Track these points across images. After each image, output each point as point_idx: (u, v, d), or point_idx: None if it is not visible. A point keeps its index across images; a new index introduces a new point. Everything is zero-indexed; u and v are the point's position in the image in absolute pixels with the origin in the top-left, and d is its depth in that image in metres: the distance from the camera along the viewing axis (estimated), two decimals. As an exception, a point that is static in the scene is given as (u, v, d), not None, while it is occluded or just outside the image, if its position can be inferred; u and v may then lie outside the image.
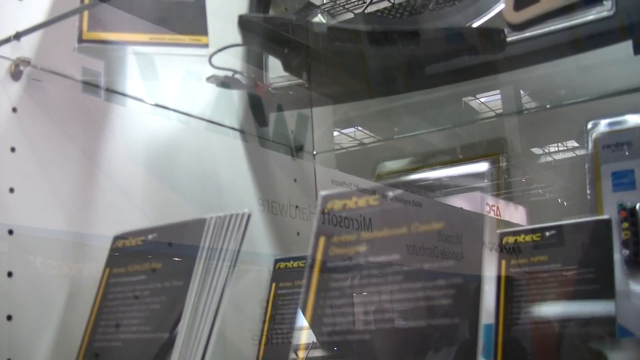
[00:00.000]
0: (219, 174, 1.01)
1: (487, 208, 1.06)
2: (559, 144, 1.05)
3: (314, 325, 0.62)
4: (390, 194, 0.65)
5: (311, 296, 0.64)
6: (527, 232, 0.91)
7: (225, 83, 0.96)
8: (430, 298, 0.58)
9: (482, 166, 1.07)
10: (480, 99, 1.11)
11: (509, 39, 0.90)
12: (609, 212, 0.93)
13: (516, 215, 1.03)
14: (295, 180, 1.13)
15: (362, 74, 1.00)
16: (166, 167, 0.95)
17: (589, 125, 1.01)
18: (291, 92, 1.01)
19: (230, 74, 0.96)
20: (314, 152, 1.17)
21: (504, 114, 1.08)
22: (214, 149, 1.02)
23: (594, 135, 1.00)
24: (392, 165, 1.13)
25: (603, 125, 1.01)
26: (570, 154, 1.03)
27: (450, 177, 1.09)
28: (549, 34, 0.90)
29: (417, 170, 1.12)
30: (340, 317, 0.61)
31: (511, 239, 0.92)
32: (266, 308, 1.01)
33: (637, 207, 0.92)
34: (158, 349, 0.73)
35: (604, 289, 0.84)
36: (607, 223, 0.87)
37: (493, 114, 1.09)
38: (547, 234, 0.90)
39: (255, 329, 0.98)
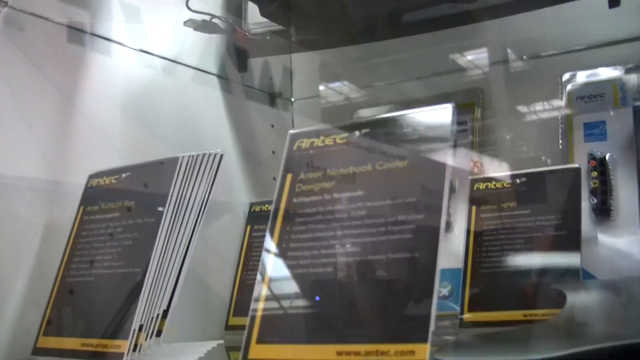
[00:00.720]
0: (197, 118, 1.02)
1: (472, 164, 1.07)
2: (535, 96, 1.06)
3: (276, 264, 0.64)
4: (357, 133, 0.66)
5: (276, 235, 0.65)
6: (498, 179, 0.93)
7: (202, 27, 0.96)
8: (384, 239, 0.59)
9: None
10: (467, 56, 1.11)
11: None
12: (580, 162, 0.94)
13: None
14: (272, 126, 1.14)
15: (341, 21, 1.00)
16: (144, 110, 0.96)
17: (564, 77, 1.02)
18: (269, 38, 1.01)
19: (207, 17, 0.96)
20: (292, 99, 1.18)
21: (480, 66, 1.08)
22: (192, 93, 1.02)
23: (568, 87, 1.01)
24: (366, 112, 1.14)
25: (578, 77, 1.02)
26: (546, 105, 1.03)
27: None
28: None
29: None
30: (303, 258, 0.62)
31: (482, 185, 0.93)
32: (240, 251, 1.03)
33: (607, 157, 0.93)
34: (130, 285, 0.74)
35: (571, 235, 0.85)
36: (576, 171, 0.89)
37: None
38: (518, 180, 0.92)
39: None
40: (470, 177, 0.95)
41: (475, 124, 1.05)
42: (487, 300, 0.87)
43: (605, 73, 1.01)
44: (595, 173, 0.92)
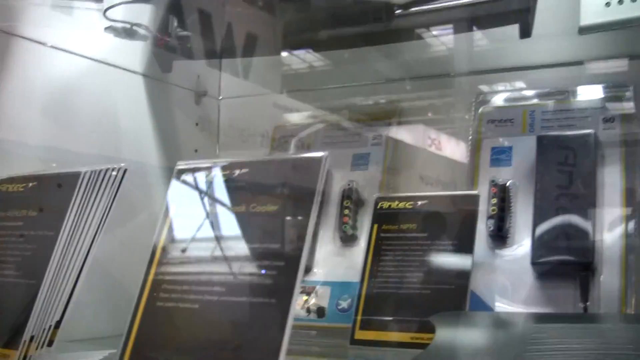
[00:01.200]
0: (119, 117, 1.04)
1: (429, 141, 1.10)
2: (451, 116, 1.09)
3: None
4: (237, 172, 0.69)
5: (151, 271, 0.69)
6: (401, 199, 0.96)
7: (122, 34, 0.98)
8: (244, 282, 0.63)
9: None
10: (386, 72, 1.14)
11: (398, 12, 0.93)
12: (484, 186, 0.98)
13: (457, 152, 1.04)
14: (197, 124, 1.16)
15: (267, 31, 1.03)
16: (64, 111, 0.98)
17: (478, 99, 1.05)
18: (189, 45, 1.03)
19: (128, 26, 0.98)
20: (220, 97, 1.21)
21: (396, 80, 1.11)
22: (115, 93, 1.04)
23: (480, 109, 1.04)
24: (292, 117, 1.17)
25: (490, 100, 1.04)
26: (458, 126, 1.06)
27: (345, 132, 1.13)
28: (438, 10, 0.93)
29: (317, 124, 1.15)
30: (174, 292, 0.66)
31: (386, 204, 0.96)
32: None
33: (508, 184, 0.96)
34: (25, 295, 0.76)
35: (462, 262, 0.89)
36: (474, 197, 0.92)
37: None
38: (419, 203, 0.95)
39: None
40: (375, 195, 0.98)
41: (389, 141, 1.08)
42: (378, 319, 0.90)
43: (519, 98, 1.03)
44: (495, 200, 0.95)
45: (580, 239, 0.88)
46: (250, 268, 0.63)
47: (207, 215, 0.69)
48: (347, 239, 1.03)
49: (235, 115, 1.21)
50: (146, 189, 1.05)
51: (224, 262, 0.65)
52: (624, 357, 0.60)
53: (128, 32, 0.98)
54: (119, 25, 0.97)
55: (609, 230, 0.91)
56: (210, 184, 0.70)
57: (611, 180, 0.94)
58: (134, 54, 1.06)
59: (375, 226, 0.95)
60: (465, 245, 0.90)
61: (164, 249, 0.70)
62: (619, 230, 0.91)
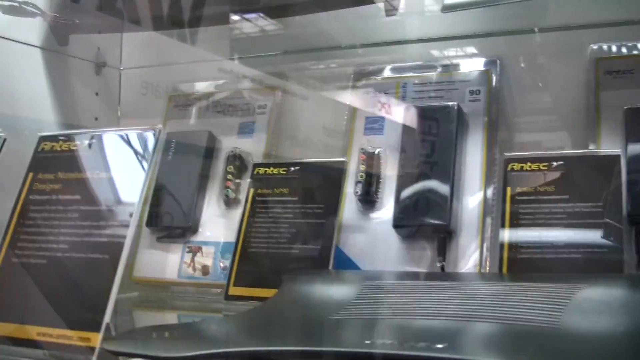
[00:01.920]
0: (16, 88, 1.08)
1: (311, 111, 1.16)
2: (332, 87, 1.14)
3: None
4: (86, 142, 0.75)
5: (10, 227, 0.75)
6: (275, 165, 1.02)
7: (11, 11, 1.02)
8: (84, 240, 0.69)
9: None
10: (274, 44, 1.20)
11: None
12: (356, 153, 1.04)
13: (336, 121, 1.09)
14: (97, 94, 1.21)
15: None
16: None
17: (356, 71, 1.11)
18: (77, 21, 1.08)
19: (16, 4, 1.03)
20: (121, 68, 1.26)
21: (283, 52, 1.17)
22: (11, 65, 1.08)
23: (357, 80, 1.10)
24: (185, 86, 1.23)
25: (369, 73, 1.10)
26: (339, 97, 1.11)
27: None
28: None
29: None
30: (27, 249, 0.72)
31: (262, 170, 1.02)
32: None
33: (376, 151, 1.03)
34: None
35: (327, 225, 0.95)
36: (342, 164, 0.99)
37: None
38: (292, 169, 1.01)
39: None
40: (252, 162, 1.05)
41: (274, 107, 1.14)
42: (249, 276, 0.97)
43: (394, 71, 1.09)
44: (364, 166, 1.02)
45: (438, 203, 0.94)
46: (89, 228, 0.69)
47: (61, 181, 0.75)
48: (230, 202, 1.09)
49: (137, 85, 1.26)
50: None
51: (68, 223, 0.71)
52: (437, 310, 0.66)
53: (16, 9, 1.02)
54: (6, 3, 1.01)
55: (468, 196, 0.98)
56: (68, 152, 0.76)
57: (474, 149, 1.00)
58: (31, 27, 1.10)
59: (252, 190, 1.02)
60: (331, 208, 0.97)
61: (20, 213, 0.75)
62: (478, 196, 0.98)
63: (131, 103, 1.26)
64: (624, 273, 0.83)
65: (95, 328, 0.64)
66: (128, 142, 0.72)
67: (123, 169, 0.72)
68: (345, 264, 0.99)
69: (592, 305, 0.65)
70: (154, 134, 0.71)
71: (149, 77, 1.25)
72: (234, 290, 0.97)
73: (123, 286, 1.09)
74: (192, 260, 1.08)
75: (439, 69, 1.06)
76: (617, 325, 0.59)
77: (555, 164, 0.91)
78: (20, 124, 1.06)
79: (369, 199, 1.01)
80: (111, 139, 0.75)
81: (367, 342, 0.58)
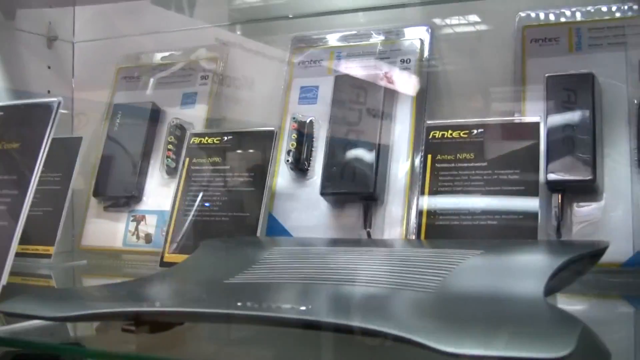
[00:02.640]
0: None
1: (250, 81, 1.18)
2: (270, 57, 1.16)
3: None
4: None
5: None
6: (209, 135, 1.04)
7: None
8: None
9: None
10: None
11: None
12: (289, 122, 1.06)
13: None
14: (49, 67, 1.24)
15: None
16: None
17: (294, 41, 1.12)
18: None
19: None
20: (74, 41, 1.29)
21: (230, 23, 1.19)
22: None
23: (294, 49, 1.11)
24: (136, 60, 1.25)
25: (304, 42, 1.12)
26: (278, 67, 1.13)
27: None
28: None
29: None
30: None
31: (197, 140, 1.05)
32: None
33: (307, 120, 1.04)
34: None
35: (256, 193, 0.98)
36: (270, 133, 1.01)
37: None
38: (226, 138, 1.03)
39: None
40: (190, 131, 1.07)
41: (215, 77, 1.16)
42: (182, 243, 1.00)
43: (330, 39, 1.10)
44: (295, 135, 1.03)
45: (363, 171, 0.96)
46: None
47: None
48: (171, 171, 1.11)
49: (89, 58, 1.28)
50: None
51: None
52: (325, 274, 0.68)
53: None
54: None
55: (397, 164, 1.00)
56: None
57: (402, 117, 1.02)
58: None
59: (187, 159, 1.04)
60: (260, 176, 0.99)
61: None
62: (405, 164, 0.99)
63: (84, 76, 1.29)
64: (536, 239, 0.84)
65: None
66: (29, 115, 0.75)
67: (26, 141, 0.74)
68: (278, 231, 1.02)
69: (475, 272, 0.66)
70: (54, 106, 0.73)
71: (101, 50, 1.28)
72: (168, 258, 1.00)
73: (72, 254, 1.14)
74: (136, 228, 1.11)
75: (372, 38, 1.08)
76: (492, 291, 0.61)
77: (475, 131, 0.92)
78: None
79: (300, 167, 1.03)
80: (15, 111, 0.77)
81: (239, 304, 0.60)
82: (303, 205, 1.02)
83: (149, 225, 1.11)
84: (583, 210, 0.90)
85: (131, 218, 1.13)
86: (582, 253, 0.70)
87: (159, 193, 1.11)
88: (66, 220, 1.13)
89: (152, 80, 1.21)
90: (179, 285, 0.72)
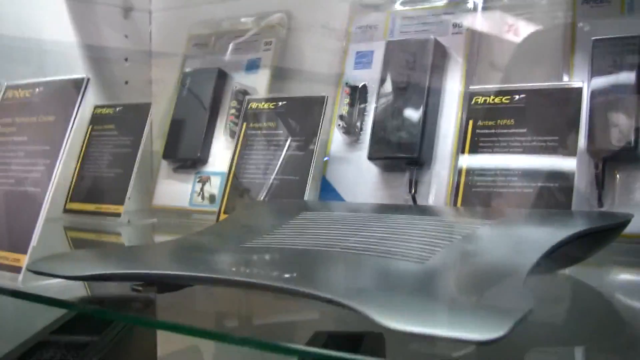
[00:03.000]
0: (42, 33, 1.18)
1: (311, 47, 1.20)
2: (328, 25, 1.17)
3: None
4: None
5: None
6: (266, 100, 1.07)
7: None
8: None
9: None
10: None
11: None
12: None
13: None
14: (126, 37, 1.30)
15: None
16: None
17: (350, 3, 1.13)
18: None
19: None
20: (150, 12, 1.35)
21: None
22: (36, 12, 1.19)
23: (350, 15, 1.13)
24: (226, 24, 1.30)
25: (361, 7, 1.13)
26: (335, 33, 1.14)
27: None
28: None
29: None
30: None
31: (254, 105, 1.08)
32: (81, 146, 1.22)
33: (360, 85, 1.06)
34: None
35: (306, 154, 1.00)
36: (322, 100, 1.03)
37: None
38: (280, 104, 1.06)
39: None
40: (247, 97, 1.11)
41: (278, 43, 1.19)
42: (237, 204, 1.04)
43: (385, 4, 1.11)
44: (347, 100, 1.05)
45: (409, 136, 0.98)
46: (29, 165, 0.79)
47: (16, 125, 0.84)
48: (234, 135, 1.15)
49: (164, 27, 1.34)
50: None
51: (16, 161, 0.81)
52: (332, 241, 0.70)
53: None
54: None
55: (445, 129, 1.00)
56: (22, 99, 0.85)
57: (453, 83, 1.02)
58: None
59: (244, 124, 1.08)
60: (309, 141, 1.01)
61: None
62: (452, 130, 1.00)
63: (160, 43, 1.35)
64: (569, 206, 0.84)
65: (24, 251, 0.73)
66: (63, 90, 0.80)
67: (59, 114, 0.80)
68: (331, 194, 1.05)
69: (472, 246, 0.67)
70: (83, 82, 0.78)
71: (175, 18, 1.33)
72: (223, 217, 1.04)
73: (144, 213, 1.21)
74: (202, 189, 1.17)
75: (426, 3, 1.08)
76: (477, 267, 0.61)
77: (517, 97, 0.91)
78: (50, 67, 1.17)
79: (351, 132, 1.05)
80: (51, 87, 0.82)
81: (233, 269, 0.64)
82: (355, 169, 1.05)
83: (213, 186, 1.16)
84: (626, 179, 0.88)
85: (197, 179, 1.18)
86: (591, 227, 0.70)
87: (224, 155, 1.16)
88: (141, 180, 1.21)
89: (219, 46, 1.25)
90: (197, 248, 0.76)
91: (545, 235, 0.68)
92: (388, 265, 0.62)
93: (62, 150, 0.76)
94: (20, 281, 0.73)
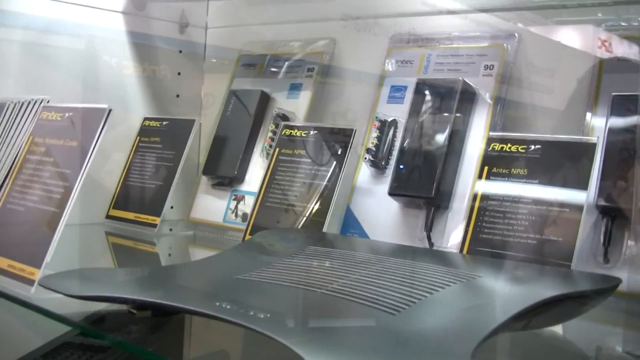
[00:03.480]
0: (97, 51, 1.25)
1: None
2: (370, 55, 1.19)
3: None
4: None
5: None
6: (299, 128, 1.11)
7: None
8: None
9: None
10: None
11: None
12: (374, 120, 1.11)
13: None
14: (180, 52, 1.36)
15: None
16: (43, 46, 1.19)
17: (390, 38, 1.16)
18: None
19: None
20: (206, 27, 1.40)
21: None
22: (94, 29, 1.25)
23: (389, 48, 1.15)
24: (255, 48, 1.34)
25: (398, 41, 1.15)
26: (374, 65, 1.17)
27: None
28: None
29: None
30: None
31: (288, 132, 1.12)
32: (127, 157, 1.28)
33: (389, 120, 1.08)
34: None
35: (330, 185, 1.03)
36: (350, 132, 1.05)
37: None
38: (311, 132, 1.10)
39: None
40: (282, 124, 1.14)
41: (320, 69, 1.22)
42: (261, 227, 1.08)
43: (421, 41, 1.13)
44: (376, 134, 1.08)
45: (427, 176, 1.00)
46: (50, 186, 0.84)
47: (43, 145, 0.90)
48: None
49: (218, 43, 1.39)
50: (125, 108, 1.29)
51: (40, 180, 0.87)
52: (321, 282, 0.73)
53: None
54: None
55: (466, 172, 1.02)
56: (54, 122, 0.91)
57: (478, 124, 1.03)
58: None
59: (277, 149, 1.12)
60: (335, 172, 1.04)
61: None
62: (472, 174, 1.01)
63: (212, 60, 1.40)
64: (570, 262, 0.84)
65: (39, 265, 0.79)
66: (86, 118, 0.85)
67: (82, 139, 0.85)
68: (352, 224, 1.08)
69: (452, 300, 0.69)
70: (105, 112, 0.83)
71: (228, 36, 1.38)
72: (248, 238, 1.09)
73: (182, 225, 1.27)
74: (236, 207, 1.22)
75: (460, 42, 1.09)
76: (445, 327, 0.64)
77: (532, 147, 0.92)
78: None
79: (378, 166, 1.08)
80: (78, 113, 0.88)
81: (217, 304, 0.68)
82: (377, 202, 1.07)
83: (247, 205, 1.20)
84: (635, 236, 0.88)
85: (232, 197, 1.23)
86: (570, 291, 0.71)
87: (259, 176, 1.20)
88: (187, 192, 1.27)
89: (265, 68, 1.29)
90: (195, 276, 0.81)
91: (521, 297, 0.70)
92: (358, 312, 0.65)
93: (80, 175, 0.81)
94: (32, 293, 0.79)
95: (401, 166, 1.02)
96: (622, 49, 0.96)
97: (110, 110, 0.83)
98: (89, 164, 0.82)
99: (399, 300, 0.66)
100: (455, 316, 0.66)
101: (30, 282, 0.79)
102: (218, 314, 0.64)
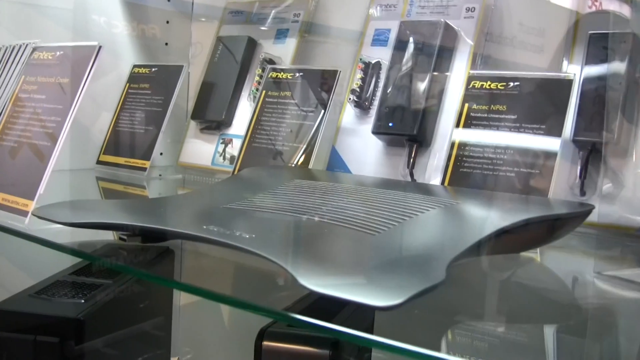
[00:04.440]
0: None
1: (336, 21, 1.26)
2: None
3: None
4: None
5: None
6: (285, 70, 1.13)
7: None
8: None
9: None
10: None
11: None
12: (358, 63, 1.13)
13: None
14: (168, 1, 1.37)
15: None
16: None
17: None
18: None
19: None
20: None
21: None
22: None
23: (374, -7, 1.17)
24: None
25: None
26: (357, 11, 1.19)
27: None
28: None
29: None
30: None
31: (274, 74, 1.14)
32: (117, 103, 1.30)
33: (373, 62, 1.11)
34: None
35: (311, 124, 1.06)
36: (335, 73, 1.08)
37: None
38: (297, 74, 1.12)
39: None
40: (269, 67, 1.17)
41: (307, 16, 1.24)
42: (248, 167, 1.11)
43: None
44: (360, 75, 1.11)
45: (410, 114, 1.02)
46: (44, 121, 0.87)
47: (38, 84, 0.92)
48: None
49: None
50: (115, 56, 1.31)
51: (34, 117, 0.89)
52: (303, 208, 0.76)
53: None
54: None
55: (448, 110, 1.04)
56: (47, 61, 0.93)
57: (459, 65, 1.06)
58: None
59: (264, 92, 1.14)
60: (319, 113, 1.07)
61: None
62: (453, 113, 1.03)
63: (200, 9, 1.42)
64: (547, 194, 0.87)
65: (32, 197, 0.82)
66: (79, 54, 0.87)
67: (73, 76, 0.87)
68: (338, 164, 1.10)
69: (430, 223, 0.72)
70: (95, 49, 0.85)
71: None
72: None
73: (171, 170, 1.29)
74: (224, 150, 1.24)
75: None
76: (417, 246, 0.67)
77: (511, 84, 0.95)
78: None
79: (362, 106, 1.10)
80: (69, 52, 0.90)
81: (204, 227, 0.71)
82: (362, 141, 1.10)
83: (235, 148, 1.23)
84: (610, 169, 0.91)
85: (221, 140, 1.25)
86: (544, 214, 0.74)
87: (247, 120, 1.23)
88: (176, 138, 1.29)
89: (252, 15, 1.31)
90: (185, 205, 0.83)
91: (495, 220, 0.73)
92: (342, 233, 0.68)
93: (72, 110, 0.83)
94: (26, 224, 0.81)
95: (385, 107, 1.05)
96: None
97: (100, 47, 0.85)
98: (80, 99, 0.84)
99: (380, 223, 0.69)
100: (433, 235, 0.69)
101: (24, 214, 0.82)
102: (205, 235, 0.67)
